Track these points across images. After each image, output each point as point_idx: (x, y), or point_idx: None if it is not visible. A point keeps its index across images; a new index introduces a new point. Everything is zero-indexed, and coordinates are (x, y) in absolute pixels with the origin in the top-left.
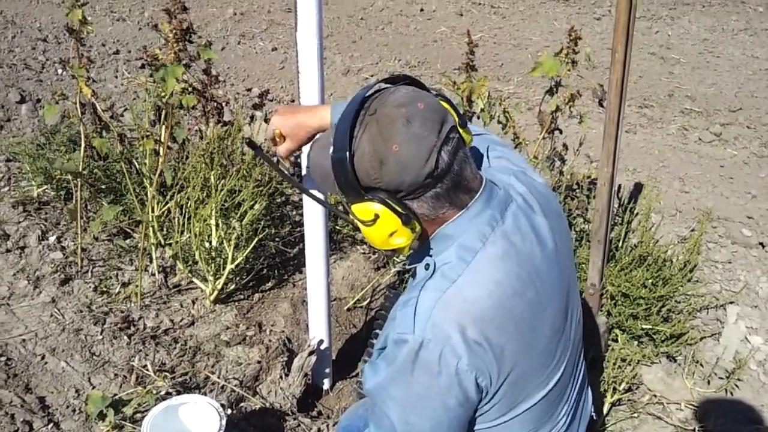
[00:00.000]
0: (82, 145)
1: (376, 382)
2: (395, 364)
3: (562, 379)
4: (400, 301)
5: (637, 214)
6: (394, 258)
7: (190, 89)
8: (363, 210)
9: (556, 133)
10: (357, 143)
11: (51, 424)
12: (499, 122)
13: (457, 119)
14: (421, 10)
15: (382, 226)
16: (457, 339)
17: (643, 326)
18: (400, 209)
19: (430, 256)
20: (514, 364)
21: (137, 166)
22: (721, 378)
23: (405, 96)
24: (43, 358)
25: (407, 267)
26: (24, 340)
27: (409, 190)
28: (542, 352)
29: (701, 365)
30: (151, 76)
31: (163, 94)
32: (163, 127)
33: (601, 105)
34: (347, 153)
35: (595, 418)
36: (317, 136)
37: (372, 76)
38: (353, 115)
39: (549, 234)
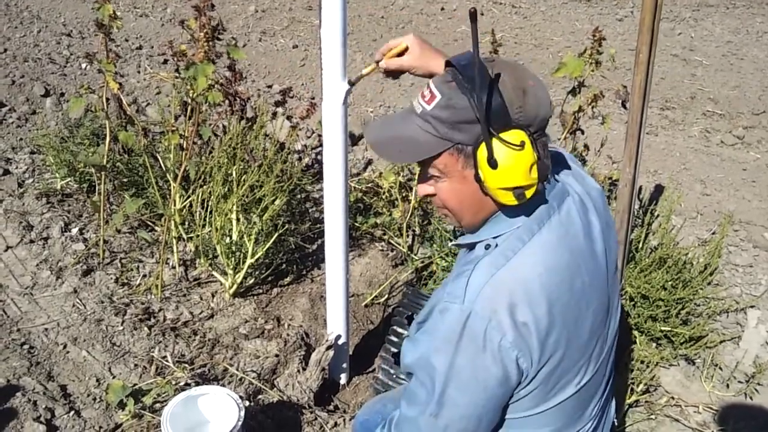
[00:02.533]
0: (107, 138)
1: (417, 354)
2: (439, 332)
3: (595, 378)
4: (452, 273)
5: (658, 215)
6: (450, 237)
7: (215, 85)
8: (512, 135)
9: (578, 133)
10: (494, 74)
11: (72, 412)
12: None
13: None
14: (442, 9)
15: (527, 154)
16: (504, 316)
17: (662, 328)
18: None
19: (491, 237)
20: (554, 351)
21: (160, 161)
22: (741, 382)
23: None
24: (65, 347)
25: (463, 243)
26: (46, 329)
27: (537, 126)
28: (581, 346)
29: (720, 369)
30: (176, 71)
31: (191, 91)
32: (189, 122)
33: (624, 106)
34: (493, 81)
35: (616, 423)
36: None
37: None
38: (477, 60)
39: (599, 235)
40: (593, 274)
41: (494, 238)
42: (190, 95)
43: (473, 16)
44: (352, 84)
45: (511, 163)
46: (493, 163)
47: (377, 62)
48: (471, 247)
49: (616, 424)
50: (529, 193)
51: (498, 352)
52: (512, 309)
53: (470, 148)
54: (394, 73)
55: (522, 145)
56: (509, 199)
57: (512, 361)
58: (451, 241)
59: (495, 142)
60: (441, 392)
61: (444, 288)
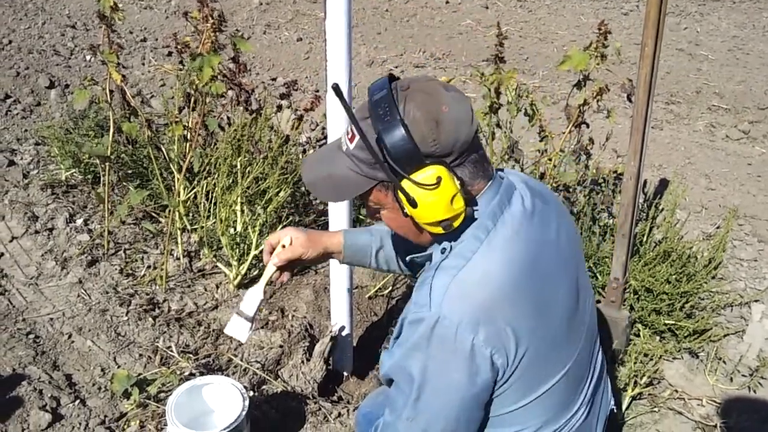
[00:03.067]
0: (111, 129)
1: (392, 362)
2: (411, 341)
3: (578, 365)
4: (416, 284)
5: (663, 209)
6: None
7: (219, 76)
8: (425, 176)
9: (583, 127)
10: (404, 112)
11: (77, 401)
12: (526, 114)
13: None
14: (447, 2)
15: (445, 190)
16: (473, 316)
17: (666, 321)
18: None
19: (447, 241)
20: (529, 342)
21: (165, 152)
22: (744, 376)
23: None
24: (70, 336)
25: (424, 254)
26: (52, 319)
27: (459, 150)
28: (556, 332)
29: (724, 362)
30: (180, 63)
31: (196, 82)
32: (195, 113)
33: (629, 100)
34: (399, 121)
35: (615, 411)
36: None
37: (396, 67)
38: (388, 93)
39: (551, 221)
40: (555, 261)
41: (449, 241)
42: (195, 86)
43: (337, 90)
44: (252, 321)
45: (430, 200)
46: (412, 203)
47: (271, 264)
48: (429, 257)
49: (615, 411)
50: (456, 223)
51: (470, 352)
52: (480, 308)
53: (393, 184)
54: (290, 268)
55: (438, 181)
56: (438, 231)
57: (486, 359)
58: None
59: (408, 183)
60: (416, 397)
61: (411, 300)
